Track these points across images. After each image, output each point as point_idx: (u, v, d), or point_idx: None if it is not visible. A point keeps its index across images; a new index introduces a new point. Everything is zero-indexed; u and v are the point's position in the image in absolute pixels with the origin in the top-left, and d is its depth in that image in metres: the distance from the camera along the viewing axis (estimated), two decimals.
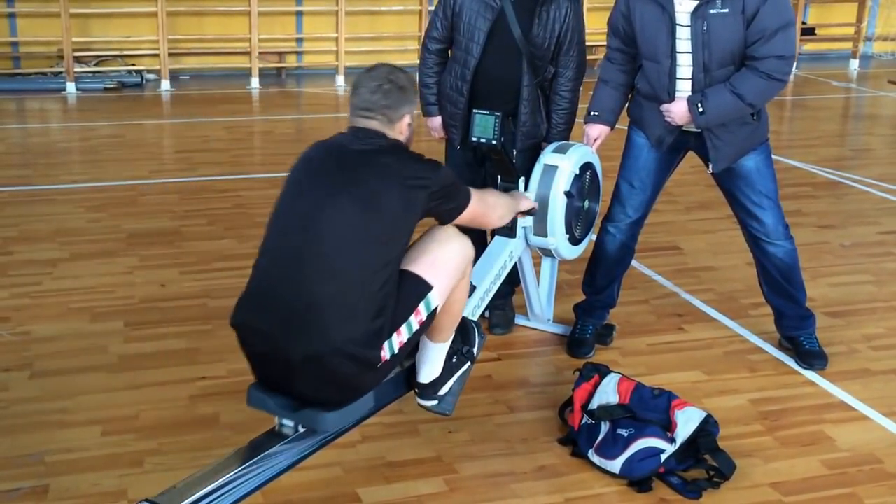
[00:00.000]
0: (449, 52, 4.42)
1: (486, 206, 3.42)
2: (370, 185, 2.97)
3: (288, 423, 3.07)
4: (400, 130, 3.15)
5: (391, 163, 3.02)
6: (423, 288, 3.05)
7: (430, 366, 3.35)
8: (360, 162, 3.01)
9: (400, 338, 3.00)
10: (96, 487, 3.34)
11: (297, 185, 3.09)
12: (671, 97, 4.00)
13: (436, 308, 3.09)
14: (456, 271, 3.17)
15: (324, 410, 2.98)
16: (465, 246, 3.23)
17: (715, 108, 3.91)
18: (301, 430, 3.07)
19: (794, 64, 3.96)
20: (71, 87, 11.13)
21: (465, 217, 3.26)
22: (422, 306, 3.04)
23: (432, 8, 4.60)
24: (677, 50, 3.93)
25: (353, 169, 3.00)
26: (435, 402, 3.39)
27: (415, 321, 3.03)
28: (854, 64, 14.06)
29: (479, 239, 4.61)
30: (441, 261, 3.13)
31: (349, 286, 2.88)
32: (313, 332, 2.86)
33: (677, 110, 3.98)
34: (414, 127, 3.23)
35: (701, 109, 3.91)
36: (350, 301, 2.87)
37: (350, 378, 2.95)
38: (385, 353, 2.96)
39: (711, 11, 3.81)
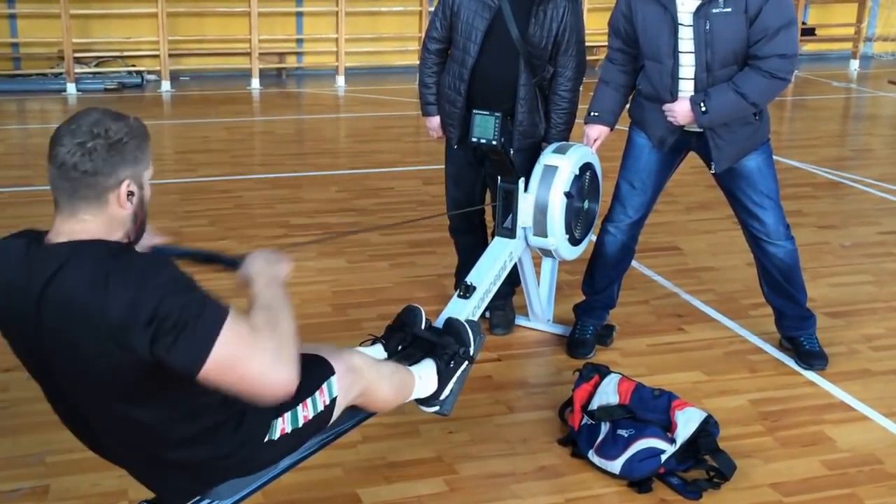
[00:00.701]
0: (448, 52, 4.43)
1: (247, 335, 2.22)
2: (76, 351, 2.17)
3: None
4: (120, 205, 2.23)
5: (82, 311, 2.10)
6: (326, 370, 2.68)
7: (424, 386, 3.22)
8: (48, 312, 2.16)
9: (306, 412, 2.59)
10: (97, 488, 3.34)
11: (13, 345, 2.35)
12: (674, 97, 4.00)
13: (336, 398, 2.69)
14: (352, 374, 2.76)
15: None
16: (352, 352, 2.91)
17: (718, 108, 3.90)
18: None
19: (797, 63, 3.95)
20: (71, 87, 11.16)
21: (211, 366, 2.12)
22: (325, 387, 2.66)
23: (433, 8, 4.61)
24: (680, 50, 3.92)
25: (44, 328, 2.18)
26: (436, 407, 3.34)
27: (319, 399, 2.64)
28: (854, 64, 14.09)
29: (480, 239, 4.63)
30: (343, 355, 2.79)
31: (171, 446, 2.38)
32: (163, 447, 2.39)
33: (680, 110, 3.97)
34: (146, 194, 2.35)
35: (704, 109, 3.90)
36: (183, 441, 2.37)
37: (241, 461, 2.53)
38: (285, 427, 2.55)
39: (714, 11, 3.81)
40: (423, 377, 3.21)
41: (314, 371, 2.63)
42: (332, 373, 2.68)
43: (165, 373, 2.12)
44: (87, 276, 2.12)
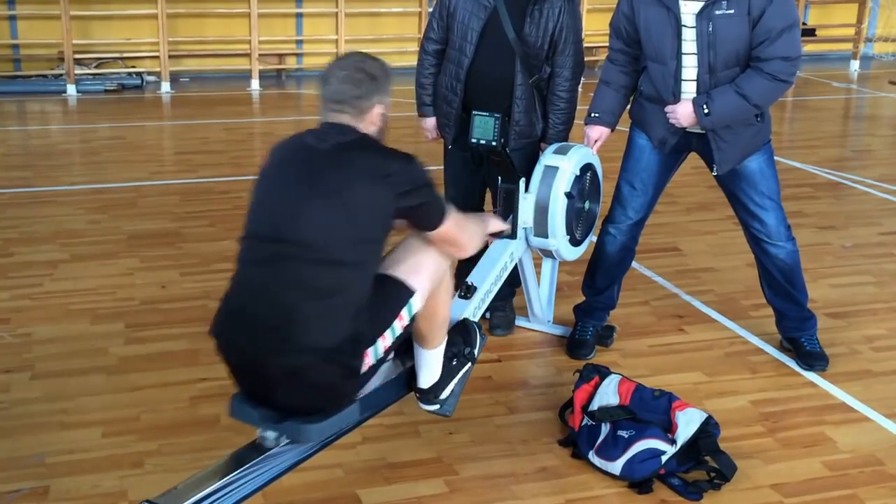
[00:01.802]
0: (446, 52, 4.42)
1: (461, 228, 3.15)
2: (341, 186, 2.83)
3: (270, 434, 3.01)
4: (371, 121, 2.98)
5: (360, 158, 2.89)
6: (405, 293, 2.99)
7: (429, 370, 3.32)
8: (329, 161, 2.87)
9: (385, 342, 2.95)
10: (97, 489, 3.35)
11: (269, 189, 2.99)
12: (676, 98, 4.00)
13: (418, 312, 3.04)
14: (437, 275, 3.10)
15: (306, 422, 2.91)
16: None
17: (720, 110, 3.91)
18: (284, 441, 3.01)
19: (799, 65, 3.95)
20: (71, 89, 11.15)
21: (440, 233, 3.04)
22: (405, 311, 2.99)
23: (431, 10, 4.62)
24: (682, 51, 3.93)
25: (322, 169, 2.87)
26: (437, 405, 3.39)
27: (398, 326, 2.98)
28: (854, 65, 14.09)
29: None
30: (422, 265, 3.06)
31: (328, 293, 2.80)
32: (291, 343, 2.80)
33: (682, 111, 3.98)
34: (388, 117, 3.07)
35: (706, 111, 3.91)
36: (329, 308, 2.80)
37: (333, 387, 2.90)
38: (369, 359, 2.92)
39: (717, 12, 3.81)
40: (432, 363, 3.31)
41: (391, 298, 2.97)
42: (412, 293, 3.00)
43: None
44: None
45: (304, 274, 2.81)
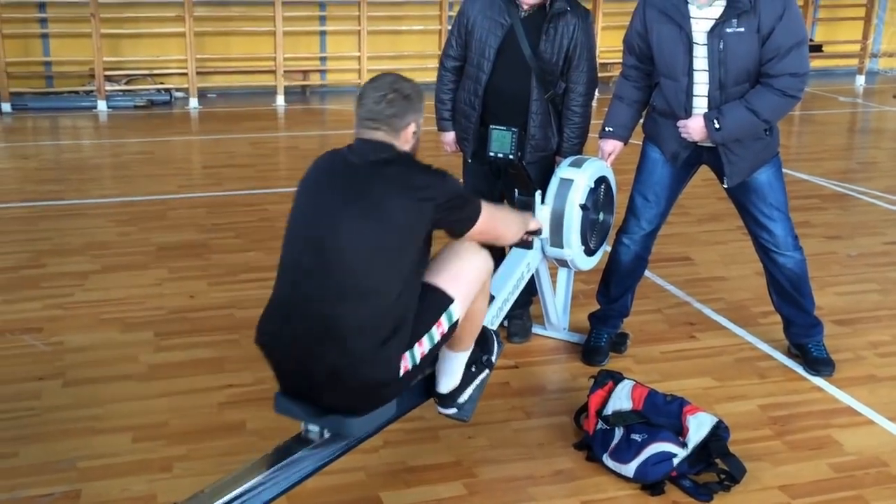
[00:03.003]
0: (464, 69, 4.49)
1: (496, 221, 3.34)
2: (378, 199, 2.94)
3: (314, 428, 3.11)
4: (405, 139, 3.09)
5: (396, 174, 2.99)
6: (444, 300, 3.07)
7: (450, 376, 3.38)
8: (366, 175, 2.98)
9: (422, 348, 3.02)
10: (126, 492, 3.40)
11: (308, 201, 3.09)
12: (688, 114, 4.05)
13: (457, 320, 3.11)
14: (476, 284, 3.18)
15: (348, 416, 3.02)
16: (485, 259, 3.26)
17: (731, 124, 3.96)
18: (326, 435, 3.10)
19: (808, 81, 4.01)
20: (102, 105, 11.25)
21: (475, 231, 3.17)
22: (443, 318, 3.06)
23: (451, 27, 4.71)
24: (694, 68, 3.98)
25: (361, 183, 2.98)
26: (454, 409, 3.43)
27: (436, 332, 3.06)
28: (860, 80, 14.10)
29: (497, 251, 4.70)
30: (462, 274, 3.14)
31: (367, 301, 2.90)
32: (335, 347, 2.90)
33: (694, 126, 4.02)
34: (420, 135, 3.17)
35: (717, 126, 3.95)
36: (368, 315, 2.90)
37: (372, 389, 2.98)
38: (406, 364, 2.99)
39: (728, 30, 3.87)
40: (452, 370, 3.37)
41: (431, 305, 3.05)
42: (451, 301, 3.08)
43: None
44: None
45: (343, 281, 2.91)
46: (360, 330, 2.90)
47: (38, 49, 11.80)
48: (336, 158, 3.12)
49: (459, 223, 3.15)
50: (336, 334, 2.90)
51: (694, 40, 3.95)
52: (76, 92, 11.69)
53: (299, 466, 3.03)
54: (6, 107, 11.10)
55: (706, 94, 4.00)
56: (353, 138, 3.12)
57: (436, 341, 3.07)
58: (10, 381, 4.22)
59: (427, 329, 3.04)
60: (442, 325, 3.07)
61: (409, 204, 2.95)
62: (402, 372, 2.99)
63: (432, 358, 3.17)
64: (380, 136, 3.05)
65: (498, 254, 4.57)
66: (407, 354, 2.99)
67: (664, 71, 4.09)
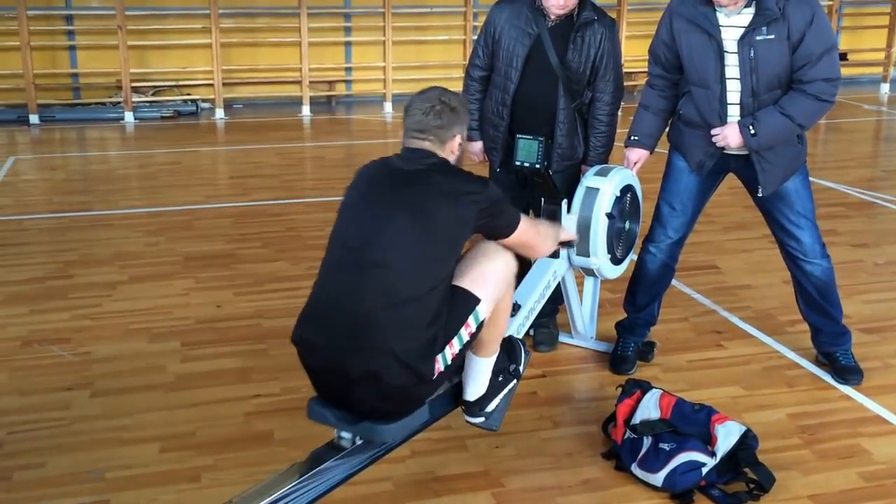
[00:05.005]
0: (490, 78, 4.50)
1: (535, 232, 3.47)
2: (424, 205, 3.05)
3: (346, 434, 3.13)
4: (451, 150, 3.23)
5: (442, 181, 3.10)
6: (472, 301, 3.12)
7: (476, 383, 3.38)
8: (413, 182, 3.10)
9: (452, 350, 3.07)
10: (154, 503, 3.41)
11: (355, 205, 3.17)
12: (722, 121, 4.04)
13: (483, 320, 3.15)
14: (501, 284, 3.24)
15: (381, 423, 3.04)
16: (509, 260, 3.30)
17: (767, 131, 3.95)
18: (359, 441, 3.12)
19: (840, 85, 4.00)
20: (129, 116, 11.37)
21: (514, 239, 3.31)
22: (471, 319, 3.11)
23: (476, 37, 4.71)
24: (726, 76, 3.98)
25: (407, 189, 3.09)
26: (482, 418, 3.44)
27: (465, 333, 3.10)
28: (885, 88, 14.09)
29: (524, 259, 4.69)
30: (487, 274, 3.19)
31: (406, 302, 2.96)
32: (372, 346, 2.94)
33: (730, 133, 4.01)
34: (465, 147, 3.31)
35: (753, 132, 3.95)
36: (407, 316, 2.96)
37: (406, 390, 3.02)
38: (439, 365, 3.04)
39: (758, 38, 3.86)
40: (478, 377, 3.39)
41: (459, 307, 3.11)
42: (478, 301, 3.13)
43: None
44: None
45: (385, 283, 2.97)
46: (398, 334, 2.95)
47: (65, 61, 11.93)
48: (384, 166, 3.23)
49: (498, 228, 3.28)
50: (374, 334, 2.95)
51: (724, 49, 3.94)
52: (103, 103, 11.85)
53: (327, 476, 3.04)
54: (34, 118, 11.23)
55: (738, 102, 4.00)
56: (400, 147, 3.25)
57: (465, 342, 3.13)
58: (39, 391, 4.25)
59: (456, 330, 3.09)
60: (470, 326, 3.12)
61: (454, 210, 3.07)
62: (435, 373, 3.05)
63: (461, 361, 3.21)
64: (426, 145, 3.19)
65: (523, 261, 4.61)
66: (439, 356, 3.04)
67: (695, 79, 4.08)
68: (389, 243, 3.01)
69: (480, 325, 3.16)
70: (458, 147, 3.26)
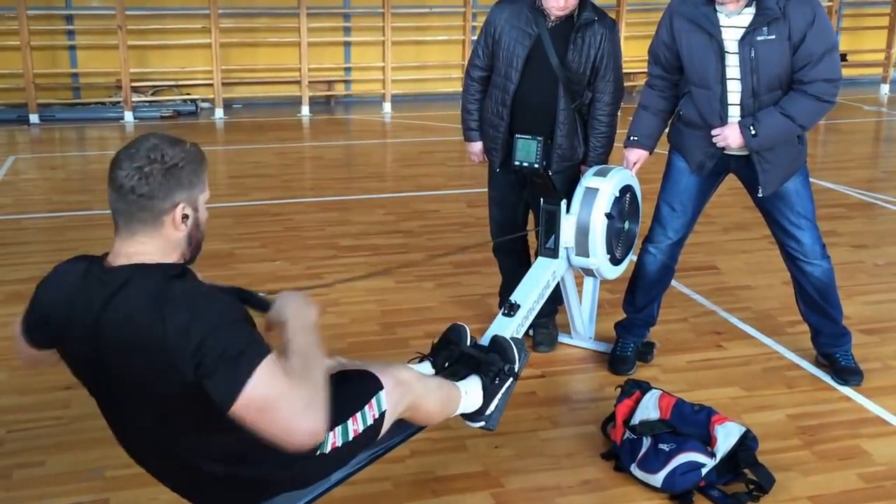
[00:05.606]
0: (490, 78, 4.49)
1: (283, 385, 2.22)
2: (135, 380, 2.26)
3: None
4: (174, 227, 2.33)
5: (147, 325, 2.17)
6: (375, 385, 2.74)
7: (468, 404, 3.28)
8: (112, 346, 2.25)
9: (355, 426, 2.64)
10: (154, 502, 3.38)
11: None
12: (723, 122, 4.04)
13: (385, 411, 2.73)
14: (413, 385, 2.89)
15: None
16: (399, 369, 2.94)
17: (767, 131, 3.95)
18: None
19: (840, 86, 4.01)
20: (129, 115, 11.39)
21: (249, 394, 2.13)
22: (374, 401, 2.72)
23: (475, 38, 4.71)
24: (726, 76, 3.98)
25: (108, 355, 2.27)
26: (482, 422, 3.39)
27: (369, 414, 2.69)
28: (884, 89, 14.12)
29: (523, 259, 4.71)
30: (390, 369, 2.85)
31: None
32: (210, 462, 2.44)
33: (731, 134, 4.01)
34: (201, 216, 2.46)
35: (754, 132, 3.95)
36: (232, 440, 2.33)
37: (288, 478, 2.59)
38: (336, 440, 2.60)
39: (758, 38, 3.86)
40: (469, 392, 3.26)
41: (363, 386, 2.72)
42: (381, 387, 2.73)
43: (209, 398, 2.15)
44: (146, 298, 2.19)
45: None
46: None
47: (65, 61, 11.95)
48: (69, 302, 2.38)
49: (221, 385, 2.17)
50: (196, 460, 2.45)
51: (725, 49, 3.94)
52: (103, 103, 11.88)
53: None
54: (34, 118, 11.24)
55: (738, 103, 4.00)
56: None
57: (369, 423, 2.68)
58: (38, 390, 4.24)
59: (360, 407, 2.68)
60: (374, 409, 2.71)
61: (158, 368, 2.19)
62: (329, 447, 2.58)
63: (368, 438, 2.72)
64: (140, 241, 2.31)
65: (523, 262, 4.61)
66: (337, 429, 2.60)
67: (696, 80, 4.08)
68: (137, 423, 2.43)
69: (382, 415, 2.73)
70: (182, 219, 2.35)
